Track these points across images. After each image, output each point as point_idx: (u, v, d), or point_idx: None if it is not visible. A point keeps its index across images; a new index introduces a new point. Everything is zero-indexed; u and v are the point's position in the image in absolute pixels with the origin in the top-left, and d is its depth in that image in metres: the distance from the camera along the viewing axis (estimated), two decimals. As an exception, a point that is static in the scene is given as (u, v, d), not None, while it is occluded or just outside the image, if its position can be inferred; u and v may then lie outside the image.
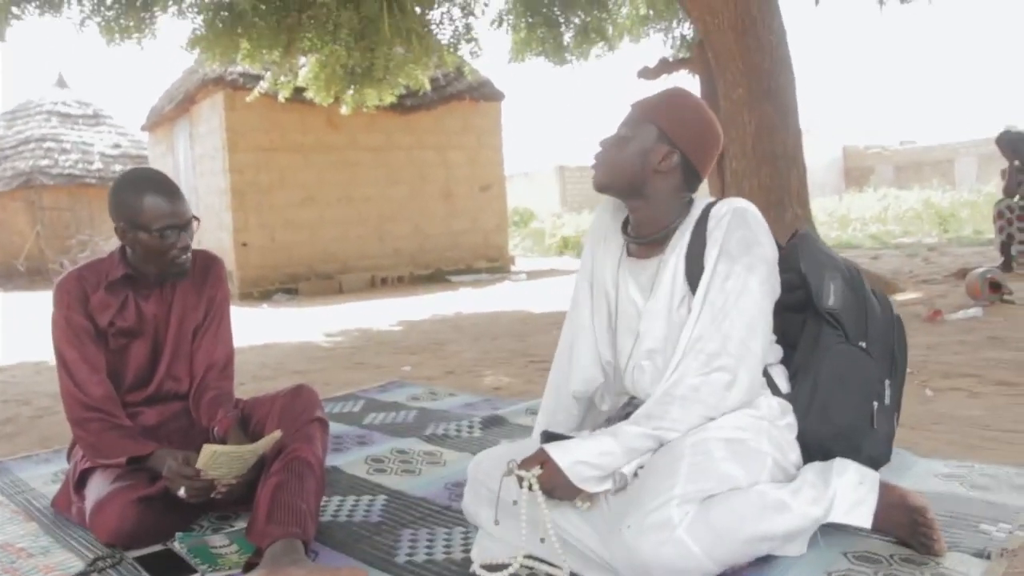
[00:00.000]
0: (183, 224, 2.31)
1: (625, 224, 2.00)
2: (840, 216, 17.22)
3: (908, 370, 3.77)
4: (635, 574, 1.59)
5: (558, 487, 1.71)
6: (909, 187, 21.30)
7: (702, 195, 1.99)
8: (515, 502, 1.74)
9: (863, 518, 1.78)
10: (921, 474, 2.36)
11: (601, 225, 2.08)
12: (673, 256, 1.89)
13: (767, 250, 1.83)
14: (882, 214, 17.04)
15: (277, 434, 2.15)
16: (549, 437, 1.82)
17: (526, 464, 1.73)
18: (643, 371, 1.92)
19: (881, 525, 1.80)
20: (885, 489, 1.83)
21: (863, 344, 1.90)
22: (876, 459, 1.92)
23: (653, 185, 1.89)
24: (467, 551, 2.00)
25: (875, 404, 1.90)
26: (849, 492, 1.78)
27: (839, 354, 1.87)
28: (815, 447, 1.86)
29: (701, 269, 1.82)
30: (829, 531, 1.82)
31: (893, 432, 1.98)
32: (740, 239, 1.81)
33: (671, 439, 1.72)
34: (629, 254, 1.99)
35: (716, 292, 1.78)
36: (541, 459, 1.72)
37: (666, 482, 1.63)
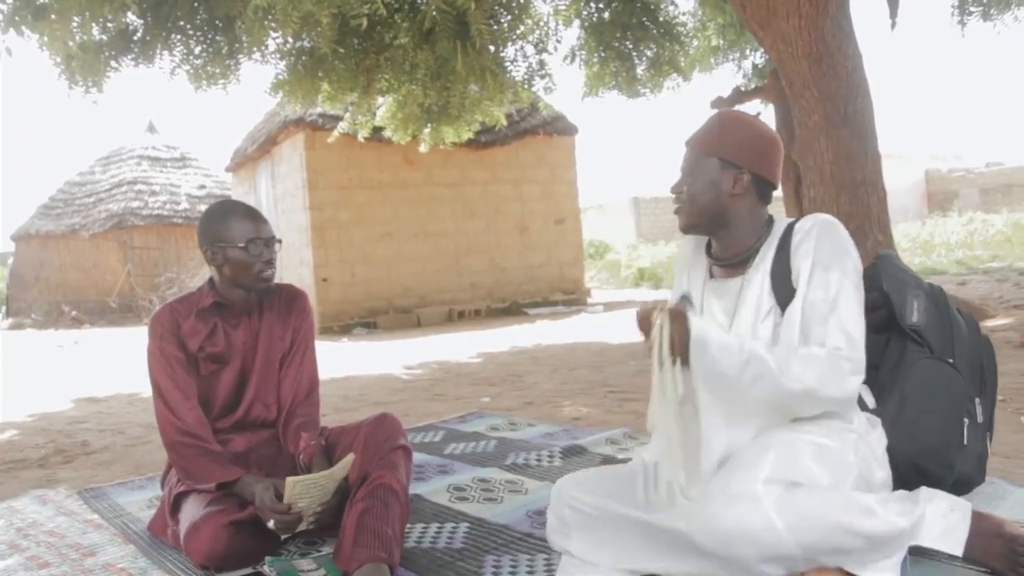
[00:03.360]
0: (268, 239, 2.45)
1: (709, 246, 2.04)
2: (923, 242, 16.77)
3: (1000, 397, 3.68)
4: (717, 544, 1.60)
5: (677, 344, 1.68)
6: (997, 210, 20.63)
7: (781, 217, 2.01)
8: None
9: (954, 545, 1.73)
10: (1018, 504, 2.28)
11: (684, 257, 2.12)
12: (758, 275, 1.90)
13: (856, 260, 1.83)
14: (968, 239, 16.53)
15: (350, 457, 2.23)
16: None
17: (665, 305, 1.73)
18: None
19: (974, 554, 1.75)
20: (979, 518, 1.78)
21: (950, 360, 1.87)
22: (969, 478, 1.87)
23: (734, 210, 1.92)
24: (550, 577, 2.01)
25: (965, 421, 1.85)
26: (938, 519, 1.74)
27: (926, 368, 1.84)
28: (906, 465, 1.82)
29: (788, 286, 1.83)
30: (918, 560, 1.77)
31: (986, 453, 1.93)
32: (831, 248, 1.81)
33: (780, 381, 1.69)
34: (712, 276, 2.01)
35: (819, 295, 1.76)
36: (681, 310, 1.72)
37: (751, 469, 1.64)
